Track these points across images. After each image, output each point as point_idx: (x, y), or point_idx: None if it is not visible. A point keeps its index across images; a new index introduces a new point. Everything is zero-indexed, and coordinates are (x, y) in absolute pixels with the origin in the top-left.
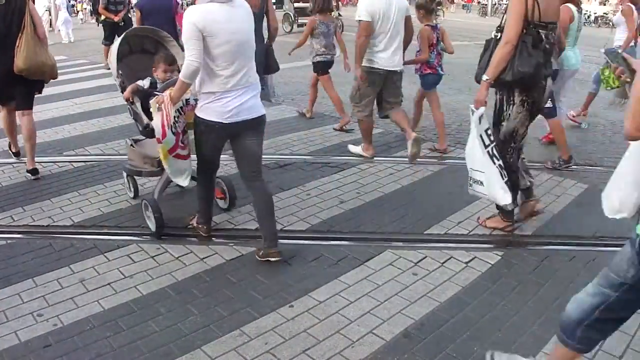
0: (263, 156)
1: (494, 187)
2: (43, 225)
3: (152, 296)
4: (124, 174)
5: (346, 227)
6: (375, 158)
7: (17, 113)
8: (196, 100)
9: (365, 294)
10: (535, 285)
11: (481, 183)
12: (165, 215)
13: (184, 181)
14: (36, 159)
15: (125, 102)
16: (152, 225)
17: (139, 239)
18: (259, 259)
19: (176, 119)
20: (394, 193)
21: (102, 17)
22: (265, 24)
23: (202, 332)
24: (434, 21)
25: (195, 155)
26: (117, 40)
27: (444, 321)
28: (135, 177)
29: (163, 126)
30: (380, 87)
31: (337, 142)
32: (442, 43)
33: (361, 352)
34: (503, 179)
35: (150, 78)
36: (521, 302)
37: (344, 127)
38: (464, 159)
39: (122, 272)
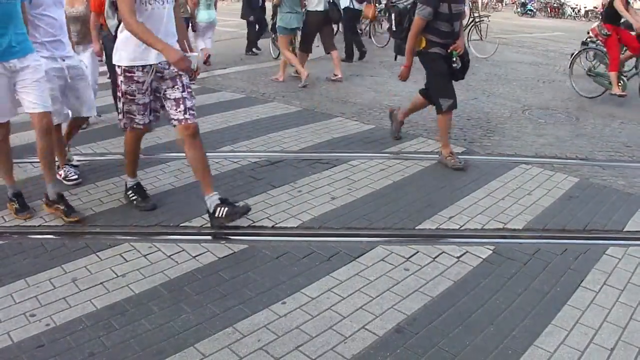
0: (254, 154)
1: None
2: (35, 226)
3: (145, 295)
4: None
5: (338, 223)
6: (366, 154)
7: None
8: None
9: (357, 290)
10: (526, 278)
11: None
12: (156, 213)
13: None
14: (27, 160)
15: None
16: None
17: (131, 237)
18: None
19: None
20: (385, 189)
21: None
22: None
23: (194, 330)
24: None
25: None
26: None
27: (436, 316)
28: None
29: None
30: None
31: (327, 139)
32: None
33: (354, 348)
34: None
35: None
36: (513, 296)
37: None
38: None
39: (114, 271)
